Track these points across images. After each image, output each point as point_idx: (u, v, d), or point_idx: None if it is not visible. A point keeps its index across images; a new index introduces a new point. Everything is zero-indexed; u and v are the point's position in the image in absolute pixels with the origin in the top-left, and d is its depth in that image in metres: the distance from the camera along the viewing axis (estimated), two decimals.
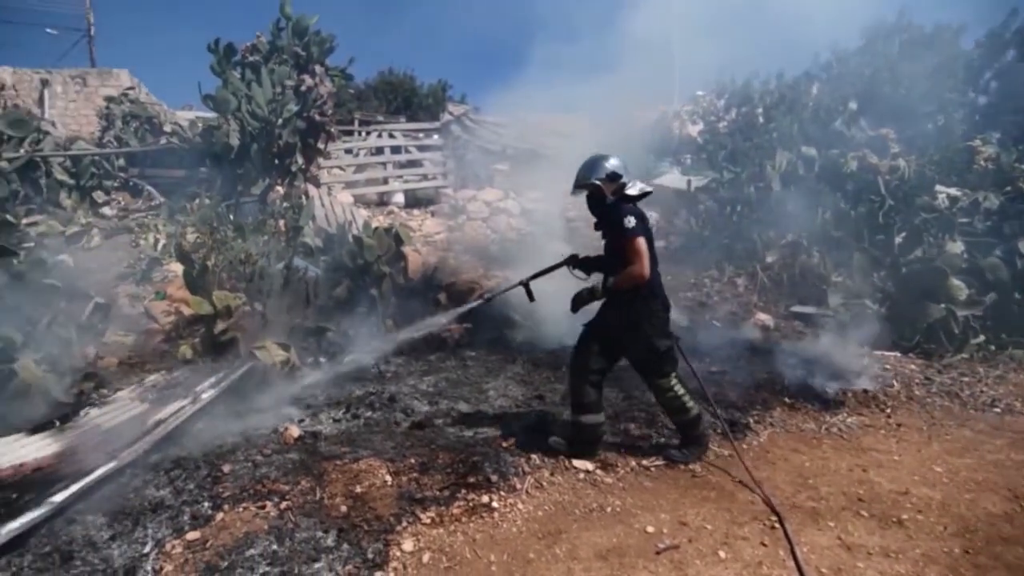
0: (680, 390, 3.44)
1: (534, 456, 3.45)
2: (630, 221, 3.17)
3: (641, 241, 3.16)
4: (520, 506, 2.94)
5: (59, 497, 2.72)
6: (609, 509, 2.99)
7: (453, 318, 5.05)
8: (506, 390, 4.68)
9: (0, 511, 2.67)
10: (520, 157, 11.50)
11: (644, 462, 3.51)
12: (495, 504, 2.93)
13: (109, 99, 11.30)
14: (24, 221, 5.87)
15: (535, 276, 3.86)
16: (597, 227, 3.55)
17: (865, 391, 4.61)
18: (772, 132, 10.35)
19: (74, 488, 2.80)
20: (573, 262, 3.77)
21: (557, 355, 5.68)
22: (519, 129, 11.76)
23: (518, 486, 3.11)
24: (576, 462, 3.39)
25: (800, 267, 7.85)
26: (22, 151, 7.91)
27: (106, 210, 8.81)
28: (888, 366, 5.27)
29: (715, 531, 2.77)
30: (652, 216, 11.69)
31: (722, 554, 2.59)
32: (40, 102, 14.93)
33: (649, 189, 3.49)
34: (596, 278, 3.55)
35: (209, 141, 8.90)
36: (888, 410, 4.36)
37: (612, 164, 3.38)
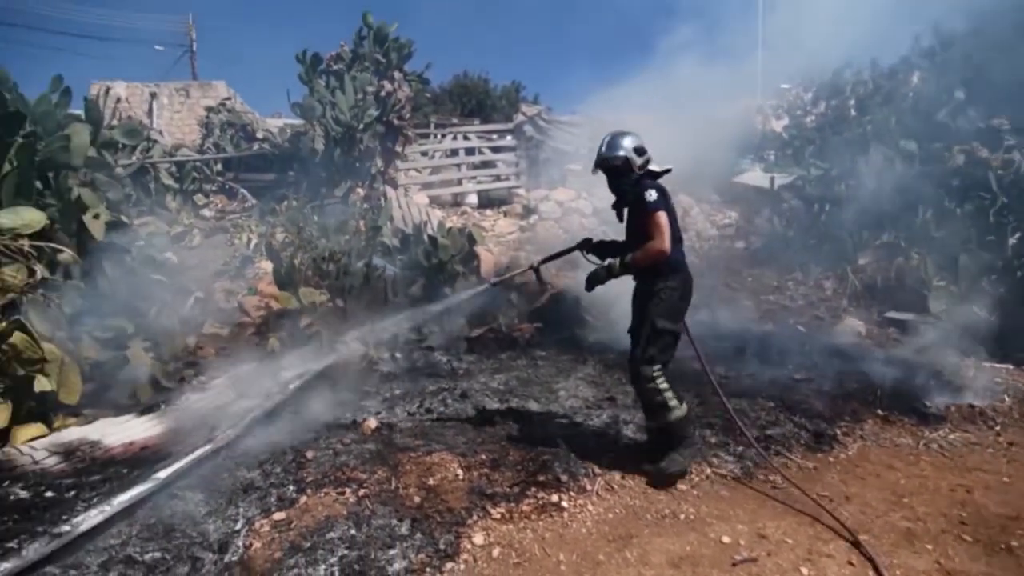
0: (663, 385, 3.16)
1: (604, 458, 3.40)
2: (651, 195, 3.05)
3: (663, 215, 3.03)
4: (590, 507, 2.91)
5: (163, 474, 2.96)
6: (682, 516, 2.91)
7: (464, 299, 5.18)
8: (576, 391, 4.64)
9: (113, 484, 2.93)
10: (593, 156, 11.41)
11: (720, 470, 3.40)
12: (564, 504, 2.92)
13: (209, 109, 12.20)
14: (136, 222, 6.43)
15: (546, 260, 3.77)
16: (616, 206, 3.40)
17: (971, 406, 4.22)
18: (866, 125, 9.68)
19: (176, 466, 3.03)
20: (587, 246, 3.65)
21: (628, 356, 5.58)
22: (592, 128, 11.65)
23: (588, 487, 3.08)
24: (647, 466, 3.31)
25: (897, 270, 7.30)
26: (134, 158, 8.70)
27: (205, 212, 9.52)
28: (998, 379, 4.80)
29: (797, 546, 2.63)
30: (731, 215, 11.24)
31: (804, 571, 2.46)
32: (149, 113, 16.34)
33: (669, 167, 3.32)
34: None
35: (296, 146, 9.42)
36: (997, 427, 3.97)
37: (636, 139, 3.26)
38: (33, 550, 2.35)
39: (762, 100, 17.59)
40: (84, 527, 2.51)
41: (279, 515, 2.80)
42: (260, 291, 6.20)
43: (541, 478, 3.13)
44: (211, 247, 8.29)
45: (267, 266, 7.02)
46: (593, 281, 3.39)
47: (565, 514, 2.84)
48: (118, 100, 11.91)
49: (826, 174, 9.40)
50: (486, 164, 11.55)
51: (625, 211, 3.36)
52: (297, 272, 5.56)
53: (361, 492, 2.98)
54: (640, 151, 3.22)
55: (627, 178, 3.23)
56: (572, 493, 3.01)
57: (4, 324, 3.28)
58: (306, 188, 9.44)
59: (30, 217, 3.81)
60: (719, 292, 8.24)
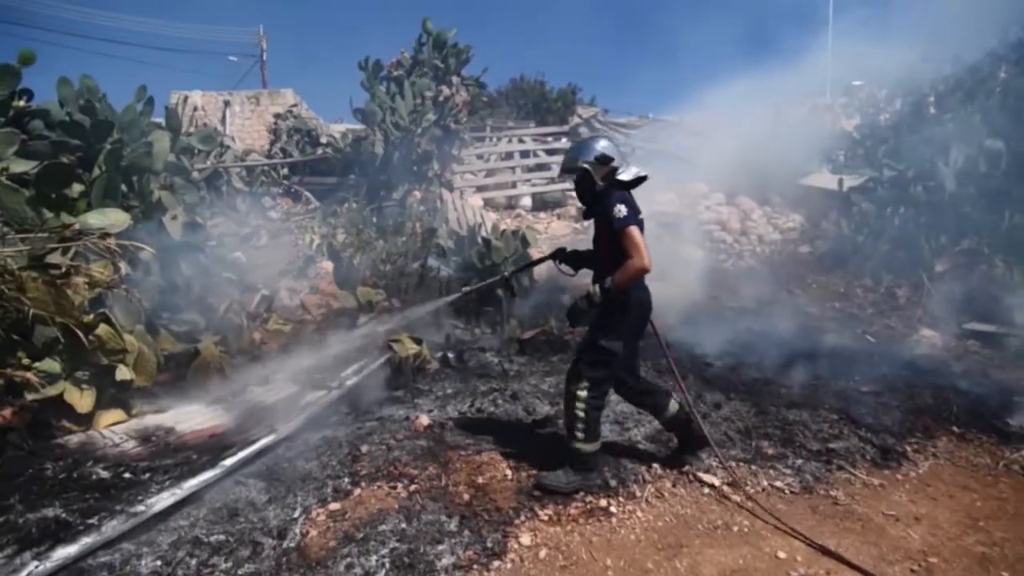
0: (580, 414, 2.94)
1: (655, 465, 3.35)
2: (620, 211, 2.83)
3: (635, 230, 2.83)
4: (639, 514, 2.87)
5: (228, 461, 3.12)
6: (736, 528, 2.83)
7: (441, 305, 5.06)
8: None
9: (183, 469, 3.11)
10: (650, 158, 11.22)
11: (777, 483, 3.28)
12: (613, 509, 2.89)
13: (277, 116, 12.77)
14: (209, 223, 6.82)
15: (517, 271, 3.69)
16: (586, 216, 3.22)
17: None
18: (947, 123, 9.10)
19: (241, 455, 3.20)
20: (560, 255, 3.47)
21: (683, 364, 5.46)
22: (650, 130, 11.49)
23: (638, 493, 3.04)
24: (703, 475, 3.24)
25: (978, 278, 6.82)
26: (208, 163, 9.22)
27: (272, 213, 9.96)
28: None
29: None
30: (796, 219, 10.81)
31: None
32: (223, 120, 17.24)
33: (644, 174, 3.08)
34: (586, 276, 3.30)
35: (357, 151, 9.73)
36: None
37: (602, 146, 3.04)
38: (111, 527, 2.53)
39: (832, 99, 16.85)
40: (157, 508, 2.68)
41: (334, 505, 2.90)
42: (321, 290, 6.44)
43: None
44: (277, 247, 8.66)
45: (328, 266, 7.28)
46: (576, 315, 3.16)
47: (613, 519, 2.81)
48: (195, 108, 12.64)
49: (901, 175, 8.90)
50: (541, 167, 11.57)
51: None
52: (356, 272, 5.74)
53: (412, 487, 3.05)
54: (604, 160, 3.00)
55: (591, 188, 3.05)
56: (621, 499, 2.98)
57: (91, 316, 3.55)
58: (366, 191, 9.74)
59: (116, 217, 4.11)
60: (781, 298, 7.95)
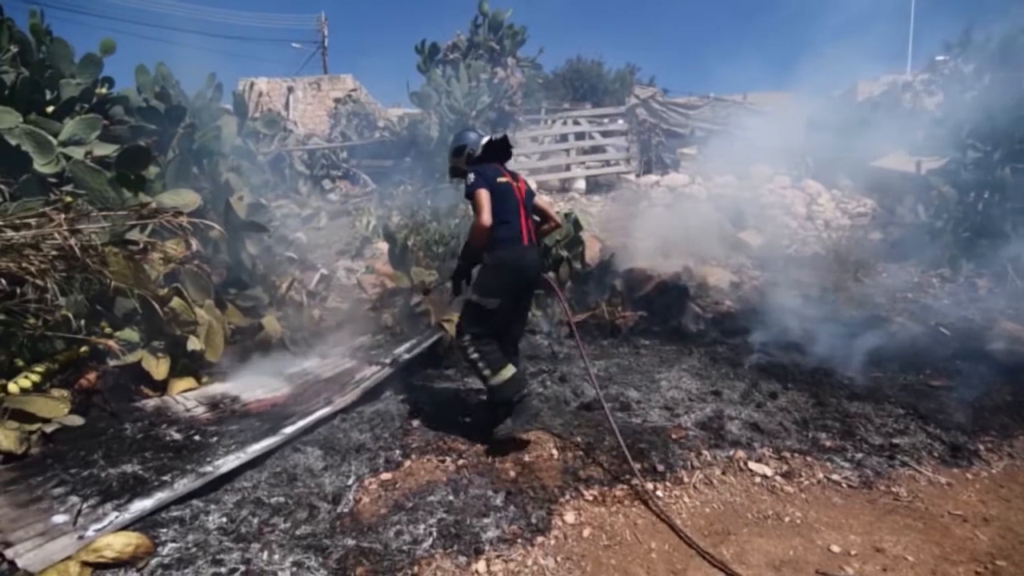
0: (475, 355, 3.17)
1: (705, 452, 3.29)
2: (469, 178, 3.14)
3: (482, 192, 3.08)
4: (686, 499, 2.84)
5: (288, 430, 3.28)
6: (787, 519, 2.75)
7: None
8: (679, 382, 4.51)
9: (247, 434, 3.30)
10: (710, 140, 10.84)
11: (834, 476, 3.16)
12: (660, 493, 2.87)
13: (337, 100, 13.10)
14: (272, 204, 7.12)
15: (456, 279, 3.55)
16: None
17: None
18: None
19: (299, 424, 3.35)
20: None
21: (737, 350, 5.32)
22: (711, 110, 11.08)
23: (685, 479, 3.01)
24: (753, 465, 3.17)
25: None
26: (272, 146, 9.59)
27: (331, 195, 10.28)
28: None
29: (918, 565, 2.40)
30: (867, 203, 10.23)
31: None
32: (286, 106, 17.84)
33: (494, 137, 3.41)
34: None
35: (413, 134, 9.86)
36: None
37: (459, 139, 3.48)
38: (182, 484, 2.72)
39: (912, 75, 15.76)
40: (224, 469, 2.86)
41: (386, 475, 3.01)
42: (376, 270, 6.61)
43: (637, 465, 3.09)
44: (335, 228, 8.95)
45: (384, 247, 7.46)
46: (454, 282, 3.52)
47: (660, 503, 2.79)
48: (260, 94, 13.12)
49: (987, 157, 8.25)
50: (595, 149, 11.39)
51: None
52: (410, 253, 5.86)
53: (460, 462, 3.12)
54: (458, 151, 3.45)
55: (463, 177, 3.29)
56: (668, 483, 2.95)
57: (166, 290, 3.79)
58: (421, 173, 9.87)
59: (188, 198, 4.35)
60: (848, 287, 7.58)
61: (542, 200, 3.58)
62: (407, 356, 4.48)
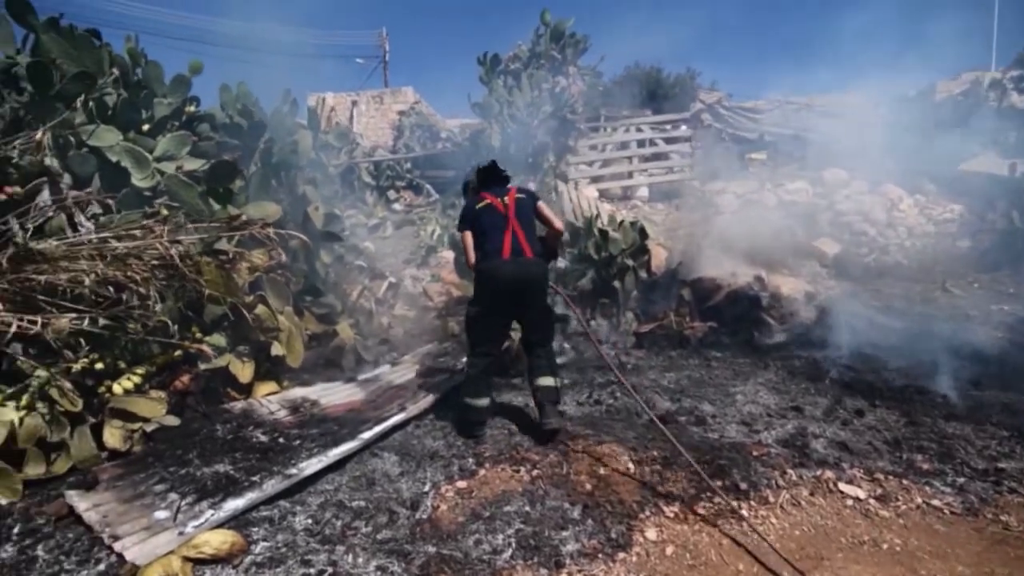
0: (468, 370, 3.59)
1: (790, 471, 3.14)
2: (457, 223, 3.72)
3: (465, 235, 3.60)
4: (773, 520, 2.71)
5: (366, 435, 3.36)
6: (885, 546, 2.58)
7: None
8: (756, 396, 4.34)
9: (327, 438, 3.39)
10: (780, 144, 10.45)
11: (934, 501, 2.95)
12: (744, 512, 2.75)
13: (401, 113, 13.45)
14: (343, 215, 7.37)
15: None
16: None
17: None
18: None
19: (376, 429, 3.43)
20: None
21: (817, 364, 5.07)
22: (780, 114, 10.68)
23: (771, 499, 2.88)
24: (844, 486, 3.00)
25: None
26: (341, 159, 9.94)
27: (396, 205, 10.55)
28: None
29: None
30: (954, 209, 9.60)
31: None
32: (350, 119, 18.47)
33: (484, 164, 3.75)
34: None
35: (476, 144, 9.99)
36: None
37: (465, 177, 3.94)
38: (270, 485, 2.82)
39: (1000, 72, 14.75)
40: (307, 472, 2.95)
41: (461, 483, 3.02)
42: (443, 278, 6.71)
43: (718, 483, 2.99)
44: (400, 237, 9.17)
45: (448, 256, 7.58)
46: None
47: (744, 523, 2.68)
48: (332, 109, 13.64)
49: None
50: (657, 156, 11.20)
51: None
52: None
53: (534, 472, 3.11)
54: (464, 189, 3.96)
55: None
56: (753, 503, 2.83)
57: (251, 298, 3.97)
58: None
59: (270, 209, 4.56)
60: (935, 297, 7.12)
61: (543, 208, 3.65)
62: None
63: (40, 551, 2.42)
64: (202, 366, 3.74)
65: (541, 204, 3.65)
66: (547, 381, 3.52)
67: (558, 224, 3.64)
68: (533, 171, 9.95)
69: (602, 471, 3.12)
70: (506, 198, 3.52)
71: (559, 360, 5.16)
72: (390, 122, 16.69)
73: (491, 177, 3.69)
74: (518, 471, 3.13)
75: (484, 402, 3.56)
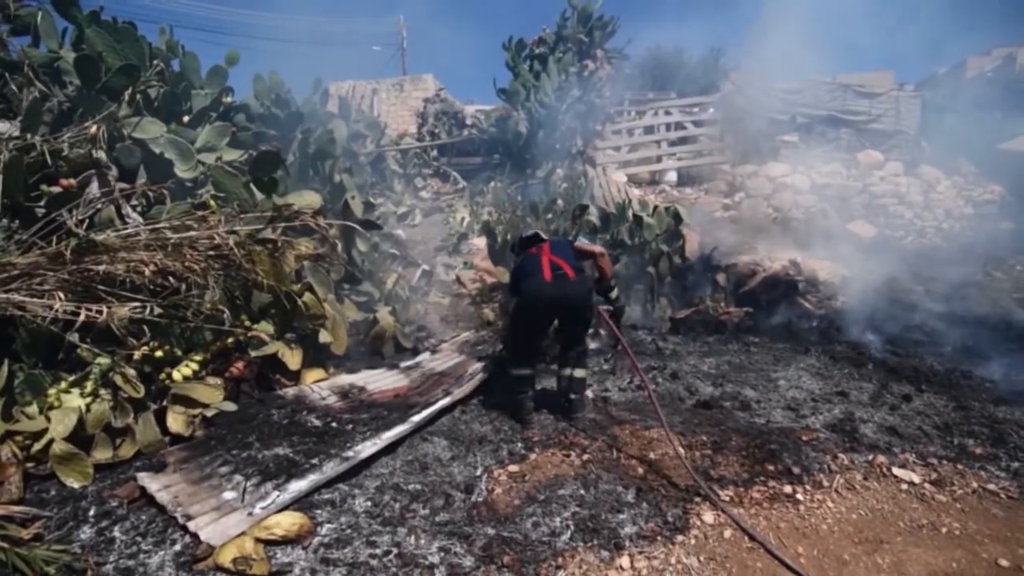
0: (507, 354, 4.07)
1: (841, 456, 3.14)
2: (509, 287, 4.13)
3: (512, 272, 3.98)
4: (829, 504, 2.71)
5: (416, 418, 3.42)
6: (944, 530, 2.58)
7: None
8: (799, 381, 4.31)
9: (378, 422, 3.46)
10: (813, 125, 10.23)
11: (990, 486, 2.93)
12: (799, 496, 2.76)
13: (426, 100, 13.42)
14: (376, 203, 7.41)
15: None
16: None
17: None
18: None
19: (425, 413, 3.49)
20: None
21: (858, 348, 5.02)
22: (812, 94, 10.44)
23: (825, 483, 2.88)
24: (898, 471, 2.98)
25: None
26: (368, 147, 9.98)
27: (423, 193, 10.57)
28: None
29: None
30: (994, 190, 9.34)
31: None
32: (371, 107, 18.47)
33: (524, 234, 4.00)
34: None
35: (502, 130, 9.94)
36: None
37: (513, 242, 4.54)
38: (330, 468, 2.89)
39: None
40: (364, 455, 3.02)
41: (513, 467, 3.07)
42: (476, 265, 6.74)
43: (770, 467, 3.00)
44: (429, 225, 9.21)
45: (479, 243, 7.60)
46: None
47: (801, 507, 2.69)
48: (362, 97, 13.66)
49: None
50: (685, 140, 11.05)
51: None
52: (508, 248, 5.93)
53: (585, 457, 3.14)
54: (511, 248, 4.50)
55: None
56: (807, 487, 2.83)
57: (299, 286, 4.04)
58: (510, 170, 9.95)
59: (311, 198, 4.61)
60: (976, 281, 6.97)
61: (580, 242, 3.89)
62: None
63: (117, 532, 2.52)
64: (252, 353, 3.82)
65: (577, 242, 3.90)
66: (578, 373, 3.73)
67: (595, 247, 3.86)
68: (560, 157, 9.89)
69: (652, 456, 3.14)
70: (542, 244, 3.80)
71: (597, 345, 5.18)
72: (411, 109, 16.66)
73: (532, 240, 3.91)
74: (568, 455, 3.17)
75: (526, 371, 3.73)
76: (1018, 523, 2.63)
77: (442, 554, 2.41)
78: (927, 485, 2.91)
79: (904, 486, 2.91)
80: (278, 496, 2.65)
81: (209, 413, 3.29)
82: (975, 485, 2.93)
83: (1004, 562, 2.36)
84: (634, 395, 4.10)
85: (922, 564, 2.36)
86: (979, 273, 7.17)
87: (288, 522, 2.46)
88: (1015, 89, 11.80)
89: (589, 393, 3.98)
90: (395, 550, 2.42)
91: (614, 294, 3.96)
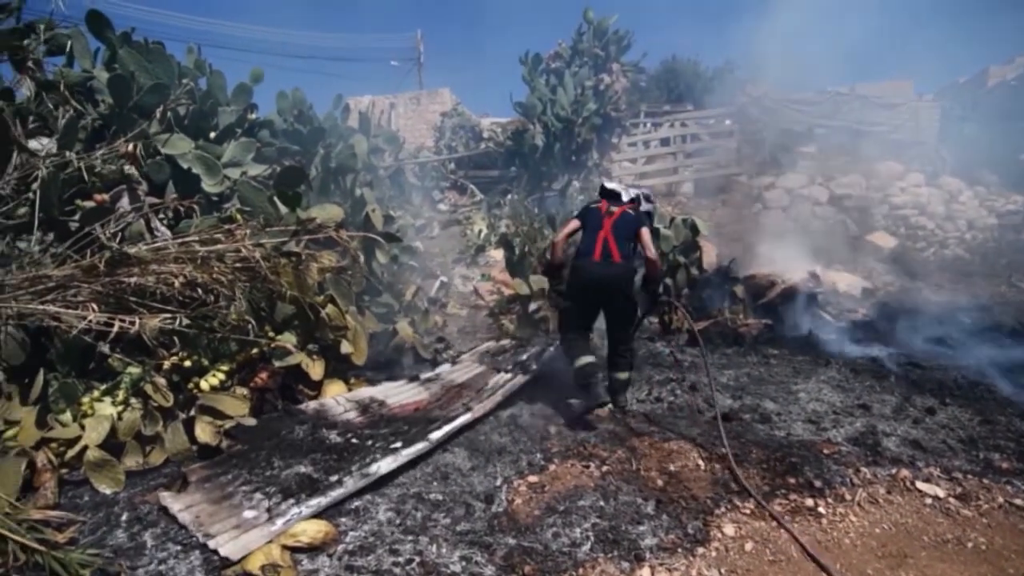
0: (563, 345, 4.04)
1: (864, 469, 3.11)
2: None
3: (569, 220, 4.14)
4: (852, 518, 2.69)
5: (435, 435, 3.42)
6: (970, 545, 2.55)
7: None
8: (819, 394, 4.28)
9: (398, 437, 3.48)
10: (831, 137, 10.17)
11: (1016, 501, 2.89)
12: (822, 510, 2.74)
13: (443, 114, 13.60)
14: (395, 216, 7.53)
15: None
16: None
17: None
18: None
19: (445, 429, 3.50)
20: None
21: (880, 361, 4.98)
22: (830, 105, 10.40)
23: (847, 497, 2.86)
24: (922, 485, 2.96)
25: None
26: (387, 160, 10.13)
27: (441, 206, 10.69)
28: None
29: None
30: (1018, 200, 9.19)
31: None
32: (388, 122, 18.73)
33: (605, 184, 4.25)
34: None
35: (519, 143, 10.04)
36: None
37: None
38: (350, 484, 2.92)
39: None
40: (383, 471, 3.04)
41: (533, 478, 3.09)
42: (493, 277, 6.80)
43: (791, 480, 2.99)
44: (447, 237, 9.31)
45: (497, 255, 7.67)
46: (550, 288, 4.86)
47: (823, 520, 2.67)
48: (382, 112, 13.88)
49: None
50: (701, 151, 11.05)
51: None
52: (527, 261, 5.98)
53: (604, 468, 3.15)
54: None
55: None
56: (829, 500, 2.82)
57: (321, 298, 4.12)
58: (526, 182, 10.03)
59: (333, 212, 4.70)
60: (1001, 292, 6.86)
61: (643, 234, 3.87)
62: (535, 365, 4.56)
63: (148, 537, 2.59)
64: (276, 363, 3.90)
65: (643, 230, 3.89)
66: (622, 375, 3.97)
67: (650, 252, 3.85)
68: (577, 170, 9.95)
69: (672, 467, 3.15)
70: (614, 208, 3.92)
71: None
72: (427, 123, 16.88)
73: (608, 193, 4.13)
74: (587, 467, 3.18)
75: (587, 359, 3.79)
76: None
77: (464, 563, 2.44)
78: (952, 499, 2.88)
79: (928, 500, 2.88)
80: (299, 512, 2.68)
81: (228, 425, 3.35)
82: (1001, 500, 2.89)
83: None
84: (653, 406, 4.10)
85: None
86: (1003, 284, 7.07)
87: (314, 529, 2.50)
88: None
89: (629, 396, 4.13)
90: (417, 558, 2.45)
91: (660, 288, 4.17)
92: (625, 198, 4.09)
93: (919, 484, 2.98)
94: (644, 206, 4.14)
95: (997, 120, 10.51)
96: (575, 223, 4.04)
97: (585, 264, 3.81)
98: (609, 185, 4.21)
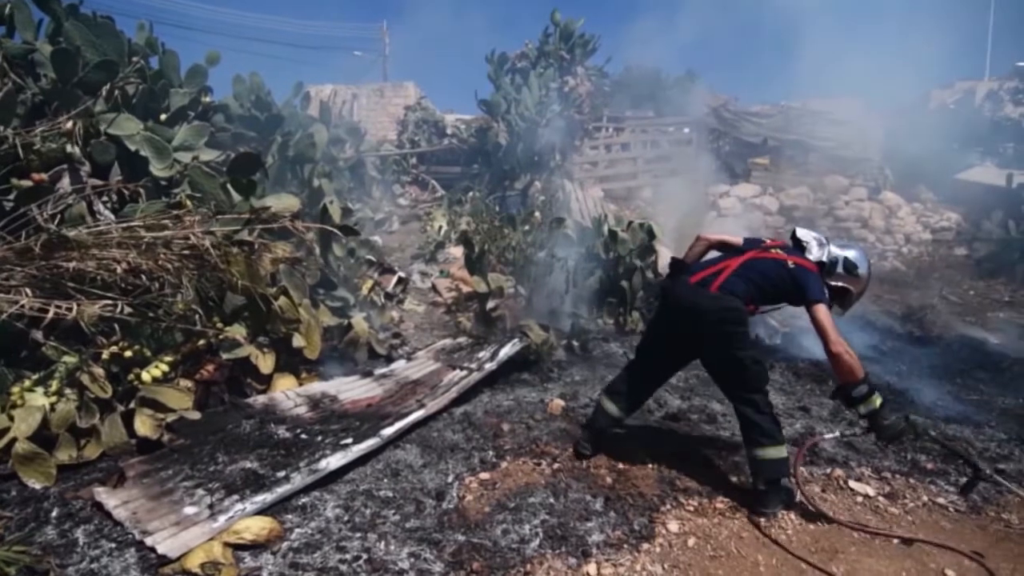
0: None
1: (801, 469, 3.25)
2: None
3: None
4: (791, 516, 2.81)
5: (387, 432, 3.39)
6: (896, 540, 2.70)
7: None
8: None
9: (349, 434, 3.43)
10: (783, 149, 10.57)
11: (939, 500, 3.07)
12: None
13: (407, 108, 13.45)
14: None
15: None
16: None
17: None
18: None
19: (397, 426, 3.46)
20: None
21: (821, 366, 5.19)
22: (784, 119, 10.81)
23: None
24: (854, 484, 3.12)
25: None
26: (348, 152, 9.96)
27: (401, 200, 10.58)
28: None
29: None
30: (951, 217, 9.78)
31: None
32: (350, 113, 18.41)
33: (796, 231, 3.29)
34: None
35: (482, 141, 10.04)
36: None
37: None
38: (298, 480, 2.87)
39: (996, 82, 14.99)
40: (332, 467, 2.99)
41: (484, 475, 3.10)
42: (452, 274, 6.78)
43: (733, 479, 3.10)
44: (406, 232, 9.23)
45: (457, 252, 7.64)
46: None
47: (762, 518, 2.78)
48: (343, 102, 13.61)
49: None
50: (662, 158, 11.30)
51: None
52: (485, 259, 5.99)
53: (555, 466, 3.19)
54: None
55: None
56: None
57: (274, 289, 4.02)
58: (488, 180, 10.04)
59: (289, 202, 4.61)
60: (932, 304, 7.27)
61: (818, 313, 2.78)
62: (492, 365, 4.56)
63: (79, 534, 2.48)
64: (224, 356, 3.79)
65: (817, 308, 2.76)
66: (756, 452, 2.81)
67: (829, 338, 2.71)
68: (539, 170, 10.02)
69: (621, 465, 3.21)
70: (780, 251, 3.00)
71: (568, 357, 5.24)
72: (391, 116, 16.68)
73: (795, 241, 3.17)
74: (539, 464, 3.22)
75: (610, 405, 3.23)
76: (964, 536, 2.77)
77: (412, 560, 2.43)
78: (881, 498, 3.04)
79: (859, 499, 3.04)
80: (243, 509, 2.62)
81: (170, 418, 3.24)
82: (926, 499, 3.07)
83: (950, 572, 2.48)
84: None
85: (873, 572, 2.46)
86: (935, 297, 7.49)
87: (258, 526, 2.45)
88: (973, 121, 12.40)
89: (786, 483, 2.88)
90: (365, 556, 2.43)
91: (862, 408, 2.76)
92: (814, 256, 3.00)
93: (851, 483, 3.14)
94: (835, 280, 2.99)
95: (935, 140, 11.13)
96: (701, 241, 3.24)
97: (673, 284, 3.01)
98: (800, 232, 3.18)
